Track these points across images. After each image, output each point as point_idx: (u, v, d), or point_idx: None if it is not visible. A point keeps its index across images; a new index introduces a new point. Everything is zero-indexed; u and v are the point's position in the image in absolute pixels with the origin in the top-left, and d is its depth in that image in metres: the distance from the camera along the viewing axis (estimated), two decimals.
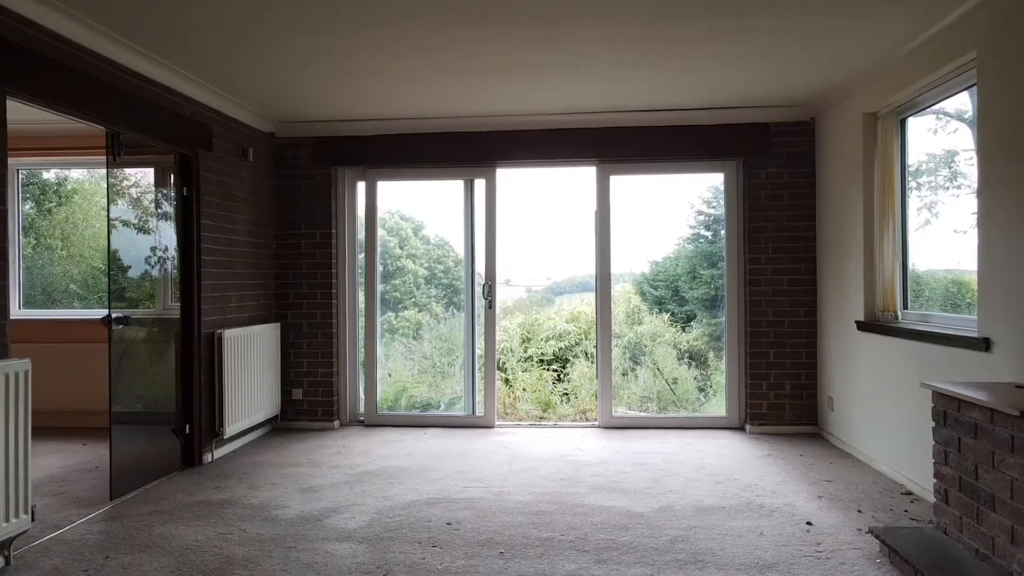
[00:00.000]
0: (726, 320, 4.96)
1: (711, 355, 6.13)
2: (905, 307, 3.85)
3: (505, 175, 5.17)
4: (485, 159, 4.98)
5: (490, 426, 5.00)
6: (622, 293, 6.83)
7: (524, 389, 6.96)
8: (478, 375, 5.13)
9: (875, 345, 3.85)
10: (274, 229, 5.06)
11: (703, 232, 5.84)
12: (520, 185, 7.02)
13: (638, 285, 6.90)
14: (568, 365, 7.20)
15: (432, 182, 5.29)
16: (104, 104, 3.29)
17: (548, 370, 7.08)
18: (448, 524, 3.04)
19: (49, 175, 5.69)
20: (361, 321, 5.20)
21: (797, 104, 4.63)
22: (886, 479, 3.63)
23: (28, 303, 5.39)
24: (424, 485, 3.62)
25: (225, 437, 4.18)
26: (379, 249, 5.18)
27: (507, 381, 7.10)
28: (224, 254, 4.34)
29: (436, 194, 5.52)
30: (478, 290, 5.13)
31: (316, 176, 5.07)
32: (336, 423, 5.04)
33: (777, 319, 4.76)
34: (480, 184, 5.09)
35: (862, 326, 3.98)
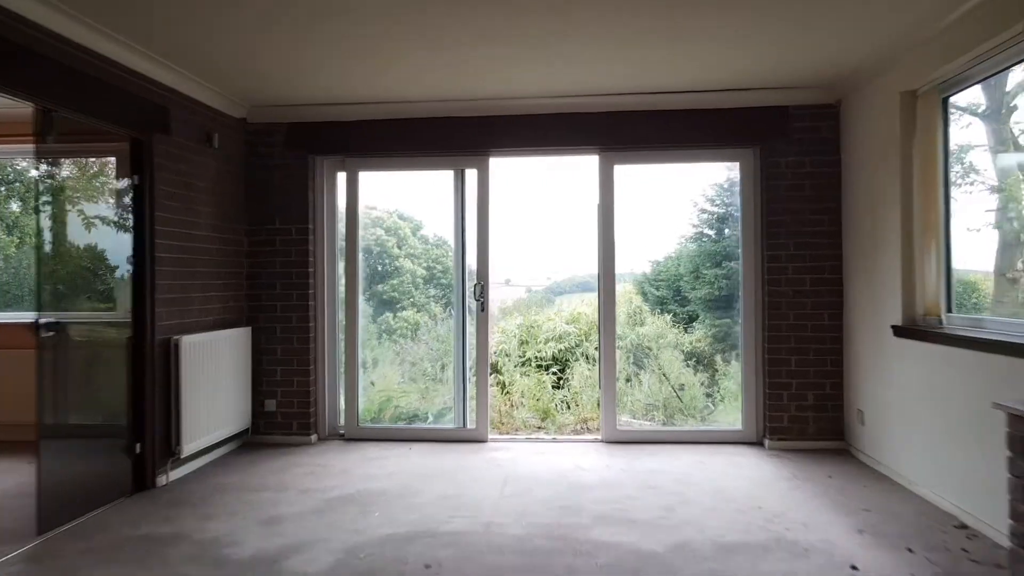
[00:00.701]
0: (742, 323, 4.51)
1: (718, 359, 5.90)
2: (949, 310, 3.40)
3: (499, 165, 4.71)
4: (477, 146, 4.52)
5: (482, 440, 4.55)
6: (623, 293, 6.67)
7: (522, 395, 6.57)
8: (469, 384, 4.68)
9: (916, 353, 3.40)
10: (245, 224, 4.60)
11: (707, 231, 5.61)
12: (516, 177, 6.60)
13: (639, 285, 6.64)
14: (568, 368, 6.88)
15: (419, 173, 4.83)
16: (33, 75, 2.84)
17: (547, 373, 6.73)
18: (427, 567, 2.59)
19: (35, 172, 5.31)
20: (342, 324, 4.75)
21: (821, 85, 4.17)
22: (933, 508, 3.17)
23: (15, 304, 4.98)
24: (404, 514, 3.16)
25: (182, 456, 3.72)
26: (361, 245, 4.73)
27: (503, 387, 6.71)
28: (184, 251, 3.89)
29: (425, 186, 5.06)
30: (470, 290, 4.67)
31: (292, 166, 4.61)
32: (313, 437, 4.58)
33: (799, 323, 4.31)
34: (471, 174, 4.64)
35: (900, 331, 3.53)
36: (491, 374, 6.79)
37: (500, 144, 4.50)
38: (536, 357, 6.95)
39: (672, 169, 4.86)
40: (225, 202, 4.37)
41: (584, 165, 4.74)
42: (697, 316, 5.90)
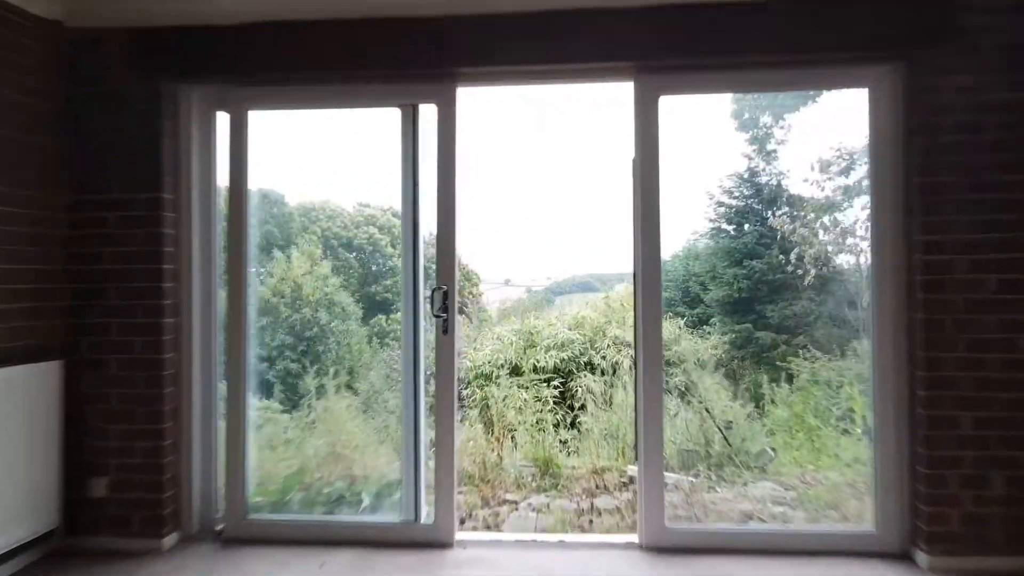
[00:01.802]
0: (873, 353, 2.73)
1: (764, 378, 4.70)
2: None
3: (472, 97, 2.96)
4: (437, 66, 2.74)
5: (445, 544, 2.78)
6: (625, 295, 6.50)
7: (514, 431, 4.98)
8: (424, 447, 2.92)
9: None
10: (63, 192, 2.83)
11: (725, 226, 5.16)
12: (497, 121, 5.15)
13: None
14: (572, 379, 5.92)
15: (345, 111, 3.06)
16: None
17: (548, 387, 5.70)
18: None
19: None
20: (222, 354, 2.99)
21: None
22: None
23: None
24: None
25: None
26: (251, 226, 2.96)
27: (489, 424, 5.08)
28: None
29: (357, 133, 3.31)
30: (426, 304, 2.92)
31: (137, 98, 2.84)
32: (169, 539, 2.81)
33: (976, 355, 2.54)
34: (429, 112, 2.87)
35: None
36: (484, 386, 5.70)
37: (474, 62, 2.73)
38: (535, 367, 5.96)
39: (682, 151, 3.23)
40: (19, 155, 2.61)
41: (601, 91, 3.02)
42: (708, 319, 5.49)
